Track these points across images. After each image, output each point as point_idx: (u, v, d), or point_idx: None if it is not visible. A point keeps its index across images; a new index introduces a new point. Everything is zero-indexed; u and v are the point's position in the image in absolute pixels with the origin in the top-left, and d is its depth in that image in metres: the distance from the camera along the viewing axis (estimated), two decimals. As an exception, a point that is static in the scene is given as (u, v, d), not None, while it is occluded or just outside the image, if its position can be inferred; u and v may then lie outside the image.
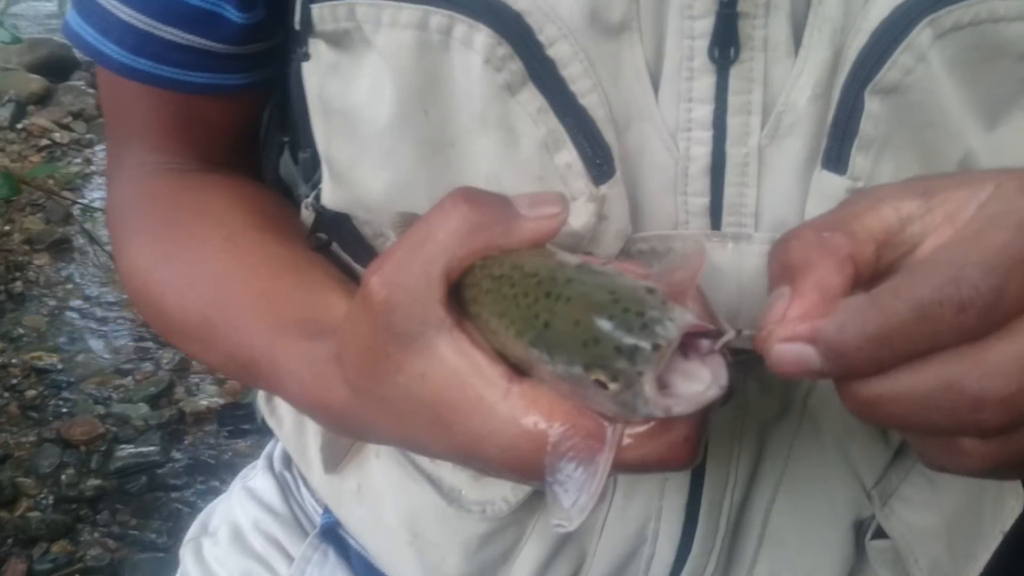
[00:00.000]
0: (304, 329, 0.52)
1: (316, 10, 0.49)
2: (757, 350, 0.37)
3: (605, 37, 0.46)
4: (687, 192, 0.49)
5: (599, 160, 0.47)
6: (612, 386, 0.34)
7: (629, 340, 0.34)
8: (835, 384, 0.37)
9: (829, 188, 0.47)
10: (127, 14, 0.57)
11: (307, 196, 0.61)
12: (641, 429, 0.38)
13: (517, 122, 0.47)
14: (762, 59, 0.46)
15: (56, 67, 3.62)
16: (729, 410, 0.54)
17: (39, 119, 3.39)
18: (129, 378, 2.31)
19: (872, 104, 0.45)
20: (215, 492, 1.43)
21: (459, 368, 0.39)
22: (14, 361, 2.30)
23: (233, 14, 0.56)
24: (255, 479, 0.75)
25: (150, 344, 2.39)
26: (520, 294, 0.37)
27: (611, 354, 0.34)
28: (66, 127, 3.40)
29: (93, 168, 3.18)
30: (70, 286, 2.63)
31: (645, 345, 0.33)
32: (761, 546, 0.58)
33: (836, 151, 0.47)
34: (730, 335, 0.36)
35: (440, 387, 0.40)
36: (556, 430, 0.37)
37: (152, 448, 2.08)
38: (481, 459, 0.40)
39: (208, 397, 2.25)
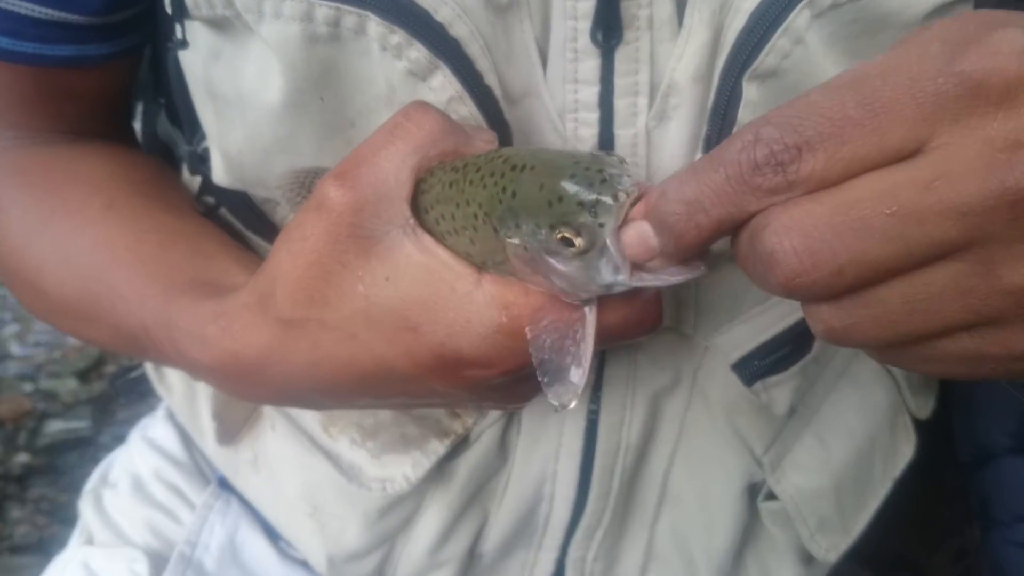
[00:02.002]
0: (203, 291, 0.50)
1: None
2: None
3: (496, 14, 0.45)
4: None
5: (505, 140, 0.47)
6: (578, 241, 0.36)
7: (591, 195, 0.36)
8: None
9: None
10: None
11: (187, 157, 0.59)
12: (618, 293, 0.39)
13: None
14: (648, 39, 0.46)
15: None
16: (620, 381, 0.56)
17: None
18: (57, 352, 2.25)
19: (750, 90, 0.45)
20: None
21: (427, 264, 0.40)
22: (-66, 338, 2.24)
23: None
24: (155, 429, 0.74)
25: (78, 317, 2.34)
26: (486, 175, 0.39)
27: (574, 209, 0.36)
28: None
29: None
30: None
31: (606, 198, 0.35)
32: (662, 504, 0.60)
33: (715, 140, 0.46)
34: None
35: (408, 286, 0.40)
36: (534, 316, 0.39)
37: (83, 423, 2.05)
38: (451, 358, 0.40)
39: (140, 370, 2.20)
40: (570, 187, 0.36)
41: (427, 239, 0.40)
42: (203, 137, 0.56)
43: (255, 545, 0.68)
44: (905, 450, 0.67)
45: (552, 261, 0.37)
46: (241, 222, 0.58)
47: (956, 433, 0.67)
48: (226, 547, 0.67)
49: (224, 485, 0.69)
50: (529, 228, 0.37)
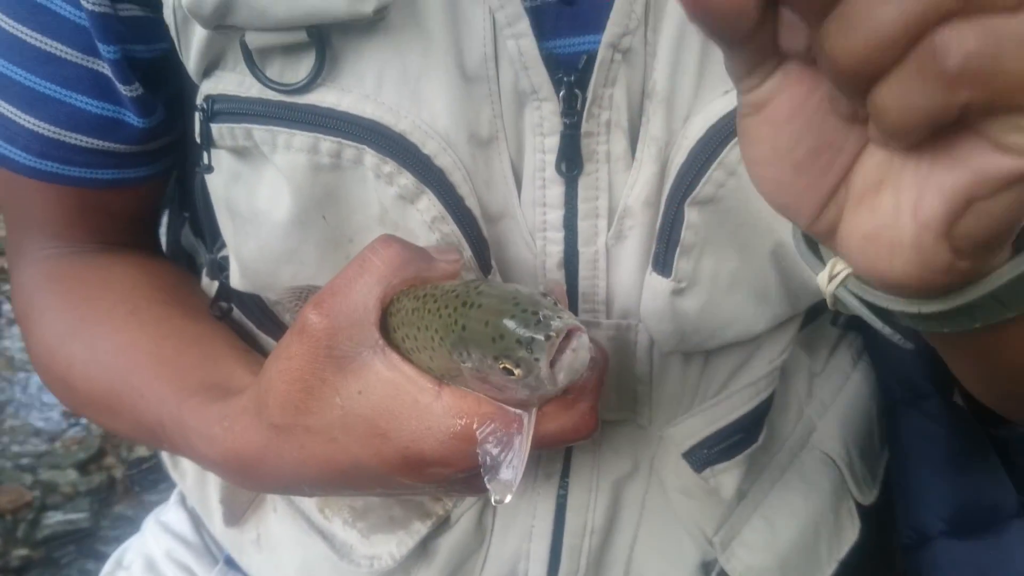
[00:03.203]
0: (211, 393, 0.57)
1: (216, 129, 0.54)
2: None
3: (478, 148, 0.52)
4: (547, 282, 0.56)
5: (483, 255, 0.54)
6: (517, 371, 0.43)
7: (527, 334, 0.42)
8: None
9: (657, 288, 0.54)
10: (32, 123, 0.61)
11: (208, 264, 0.66)
12: (553, 404, 0.46)
13: (415, 227, 0.53)
14: (606, 170, 0.53)
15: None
16: (585, 468, 0.62)
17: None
18: (57, 443, 2.28)
19: (691, 215, 0.52)
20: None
21: (394, 380, 0.46)
22: (-62, 430, 2.27)
23: (134, 119, 0.61)
24: (168, 513, 0.79)
25: (80, 410, 2.36)
26: (442, 307, 0.45)
27: (514, 346, 0.42)
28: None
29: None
30: (-3, 353, 2.60)
31: (540, 337, 0.42)
32: None
33: (663, 257, 0.53)
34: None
35: (378, 398, 0.46)
36: (482, 422, 0.45)
37: (82, 515, 2.05)
38: (415, 459, 0.46)
39: (151, 461, 2.22)
40: (510, 326, 0.42)
41: (394, 356, 0.46)
42: (223, 246, 0.64)
43: (258, 621, 0.73)
44: (849, 534, 0.72)
45: (497, 381, 0.44)
46: (254, 322, 0.66)
47: (898, 518, 0.73)
48: (231, 624, 0.73)
49: (231, 563, 0.74)
50: (477, 356, 0.43)
